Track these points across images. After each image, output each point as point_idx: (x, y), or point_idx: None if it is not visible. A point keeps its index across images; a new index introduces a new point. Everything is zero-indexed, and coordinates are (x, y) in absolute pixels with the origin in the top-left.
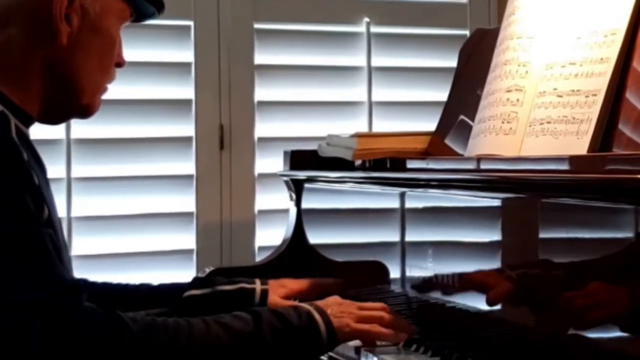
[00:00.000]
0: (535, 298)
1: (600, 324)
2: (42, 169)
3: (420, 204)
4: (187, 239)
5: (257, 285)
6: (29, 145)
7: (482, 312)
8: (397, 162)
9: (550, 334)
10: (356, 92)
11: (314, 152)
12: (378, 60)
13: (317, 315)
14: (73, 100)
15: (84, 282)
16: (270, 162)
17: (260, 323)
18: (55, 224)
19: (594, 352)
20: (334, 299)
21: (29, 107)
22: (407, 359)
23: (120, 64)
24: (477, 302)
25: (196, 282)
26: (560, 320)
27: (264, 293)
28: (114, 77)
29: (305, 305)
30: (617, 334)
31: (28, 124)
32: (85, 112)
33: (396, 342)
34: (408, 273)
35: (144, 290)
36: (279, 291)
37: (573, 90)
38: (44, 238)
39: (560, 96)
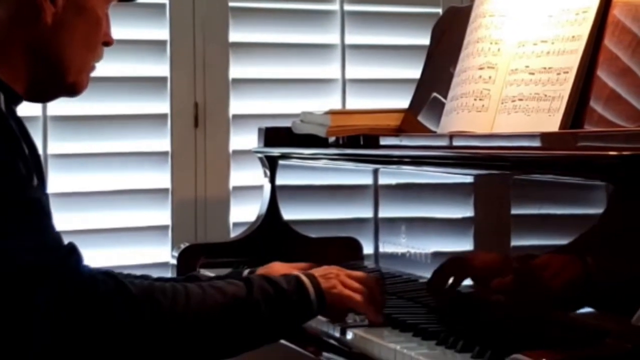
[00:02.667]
0: (507, 273)
1: (573, 299)
2: (32, 147)
3: (393, 181)
4: (162, 215)
5: None
6: (18, 122)
7: (454, 288)
8: (370, 139)
9: (523, 308)
10: (330, 69)
11: (288, 129)
12: (351, 38)
13: (304, 278)
14: (59, 79)
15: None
16: (244, 139)
17: (251, 287)
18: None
19: (567, 326)
20: (323, 267)
21: (16, 86)
22: (375, 331)
23: (108, 42)
24: (450, 278)
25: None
26: (533, 295)
27: None
28: (102, 56)
29: (293, 272)
30: (590, 308)
31: (16, 102)
32: (72, 90)
33: (375, 322)
34: (381, 249)
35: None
36: None
37: (545, 68)
38: (40, 201)
39: (532, 74)
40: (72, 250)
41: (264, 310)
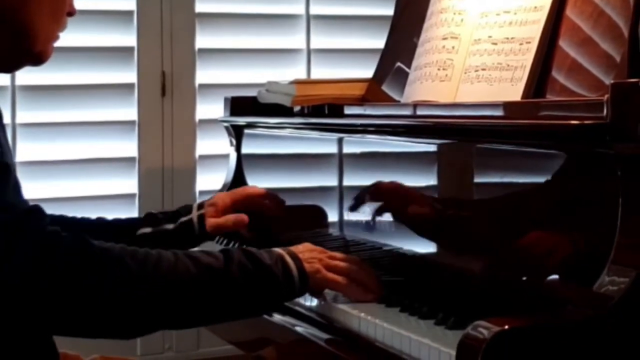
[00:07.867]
0: (470, 241)
1: (532, 267)
2: None
3: (357, 150)
4: (129, 183)
5: (194, 213)
6: None
7: (418, 255)
8: (335, 108)
9: (485, 276)
10: (295, 39)
11: (254, 98)
12: (316, 9)
13: (288, 258)
14: (26, 48)
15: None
16: (211, 108)
17: (229, 259)
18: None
19: (529, 294)
20: (305, 245)
21: None
22: (346, 301)
23: (71, 12)
24: (413, 246)
25: (146, 219)
26: (494, 264)
27: (201, 218)
28: (66, 26)
29: (277, 249)
30: (551, 275)
31: None
32: (38, 60)
33: (365, 301)
34: (346, 217)
35: (100, 225)
36: (209, 210)
37: (507, 38)
38: (6, 168)
39: (495, 44)
40: (33, 210)
41: (240, 284)
